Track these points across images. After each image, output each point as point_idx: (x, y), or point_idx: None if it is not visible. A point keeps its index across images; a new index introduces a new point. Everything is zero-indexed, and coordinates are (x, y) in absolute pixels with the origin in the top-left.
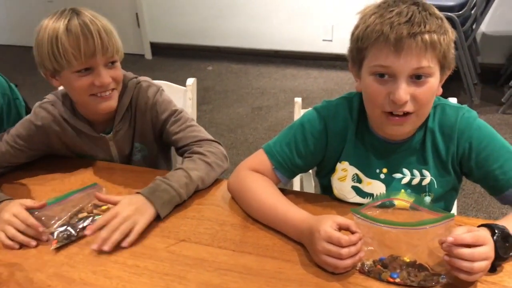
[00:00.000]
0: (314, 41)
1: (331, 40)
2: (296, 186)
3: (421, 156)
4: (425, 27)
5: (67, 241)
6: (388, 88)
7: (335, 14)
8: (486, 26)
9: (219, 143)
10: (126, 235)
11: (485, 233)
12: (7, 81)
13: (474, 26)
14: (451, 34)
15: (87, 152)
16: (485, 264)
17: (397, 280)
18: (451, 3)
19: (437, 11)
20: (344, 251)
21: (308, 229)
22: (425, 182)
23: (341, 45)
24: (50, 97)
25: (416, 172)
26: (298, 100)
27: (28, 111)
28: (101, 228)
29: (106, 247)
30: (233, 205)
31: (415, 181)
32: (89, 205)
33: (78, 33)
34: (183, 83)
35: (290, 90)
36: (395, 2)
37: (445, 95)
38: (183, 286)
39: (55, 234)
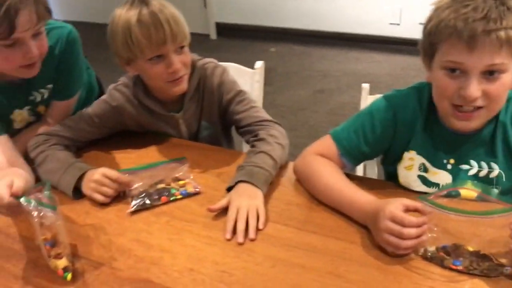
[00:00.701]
0: (381, 24)
1: (398, 24)
2: (359, 173)
3: (490, 149)
4: (501, 23)
5: (141, 208)
6: (459, 83)
7: None
8: None
9: (279, 124)
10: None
11: None
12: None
13: None
14: None
15: (158, 129)
16: None
17: (460, 267)
18: None
19: None
20: (406, 230)
21: (374, 210)
22: (493, 175)
23: (409, 29)
24: (123, 79)
25: (484, 164)
26: (365, 86)
27: (99, 84)
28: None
29: (251, 235)
30: (298, 186)
31: (483, 173)
32: (170, 177)
33: (149, 23)
34: (246, 64)
35: (353, 74)
36: None
37: None
38: (251, 258)
39: (133, 199)
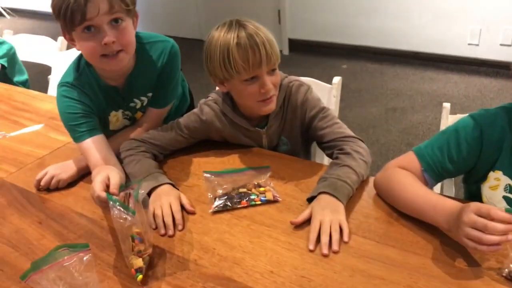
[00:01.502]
0: (459, 44)
1: (477, 45)
2: (436, 191)
3: None
4: None
5: (222, 209)
6: None
7: (484, 17)
8: None
9: (362, 140)
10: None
11: None
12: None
13: None
14: None
15: (240, 142)
16: None
17: None
18: None
19: None
20: (491, 224)
21: (459, 210)
22: None
23: (488, 50)
24: (213, 95)
25: None
26: (446, 105)
27: (191, 96)
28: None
29: (335, 247)
30: (376, 200)
31: None
32: (252, 183)
33: (247, 46)
34: (318, 79)
35: (427, 94)
36: None
37: None
38: (330, 266)
39: (216, 200)
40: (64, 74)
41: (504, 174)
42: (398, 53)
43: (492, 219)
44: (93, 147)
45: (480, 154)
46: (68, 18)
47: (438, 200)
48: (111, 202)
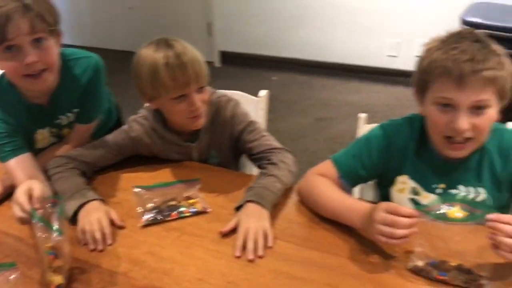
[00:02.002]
0: (379, 56)
1: (396, 56)
2: (356, 195)
3: (477, 175)
4: (485, 64)
5: (152, 222)
6: (450, 117)
7: (402, 31)
8: None
9: (290, 151)
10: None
11: None
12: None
13: None
14: (509, 67)
15: (170, 157)
16: None
17: (445, 278)
18: None
19: (496, 47)
20: (399, 219)
21: (370, 210)
22: (479, 199)
23: (406, 62)
24: (143, 112)
25: (471, 189)
26: (363, 115)
27: (118, 110)
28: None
29: (260, 252)
30: (299, 207)
31: (470, 197)
32: (182, 196)
33: (175, 66)
34: (248, 91)
35: (352, 103)
36: (458, 38)
37: (510, 116)
38: (255, 271)
39: (145, 214)
40: None
41: (410, 178)
42: (325, 65)
43: (399, 215)
44: (19, 166)
45: (389, 161)
46: None
47: (352, 203)
48: (34, 220)
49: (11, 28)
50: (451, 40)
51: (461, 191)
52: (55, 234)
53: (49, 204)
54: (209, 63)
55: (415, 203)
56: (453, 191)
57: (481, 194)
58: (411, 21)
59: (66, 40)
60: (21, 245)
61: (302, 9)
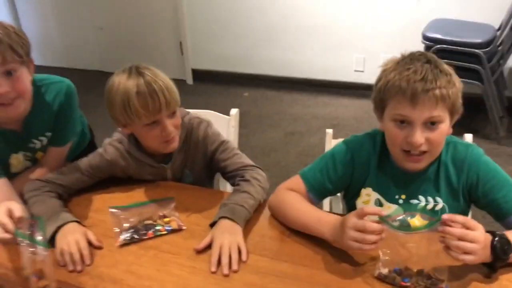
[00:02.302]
0: (347, 71)
1: (363, 71)
2: (326, 207)
3: (434, 185)
4: (436, 83)
5: (129, 241)
6: (406, 132)
7: (367, 46)
8: None
9: (261, 168)
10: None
11: (478, 225)
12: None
13: (501, 62)
14: (459, 85)
15: (145, 178)
16: (473, 246)
17: (408, 284)
18: (478, 41)
19: (446, 67)
20: (368, 224)
21: (340, 220)
22: (438, 207)
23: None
24: (117, 135)
25: (430, 198)
26: (329, 131)
27: (90, 131)
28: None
29: (234, 267)
30: (271, 221)
31: (429, 206)
32: (157, 215)
33: (146, 94)
34: (221, 107)
35: (322, 117)
36: (411, 60)
37: (471, 126)
38: (230, 285)
39: (122, 234)
40: None
41: (374, 190)
42: (294, 80)
43: (364, 214)
44: None
45: (352, 174)
46: None
47: (321, 215)
48: (19, 238)
49: None
50: (404, 62)
51: (421, 201)
52: (40, 249)
53: (28, 225)
54: (182, 81)
55: None
56: (414, 201)
57: (439, 203)
58: (376, 37)
59: (36, 61)
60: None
61: (271, 28)
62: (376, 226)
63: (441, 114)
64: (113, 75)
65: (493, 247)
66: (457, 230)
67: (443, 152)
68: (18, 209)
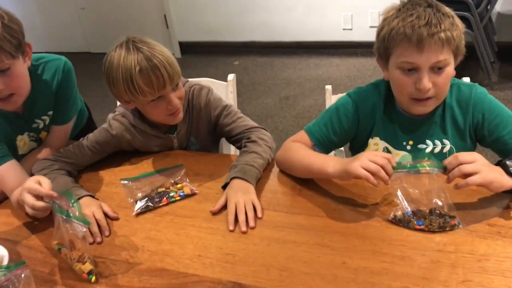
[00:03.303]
0: (335, 30)
1: (351, 29)
2: None
3: (441, 128)
4: (441, 27)
5: (145, 210)
6: (414, 78)
7: (354, 4)
8: (501, 6)
9: (265, 129)
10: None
11: (471, 152)
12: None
13: (488, 7)
14: (461, 27)
15: (152, 149)
16: (473, 166)
17: (422, 226)
18: None
19: (447, 10)
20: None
21: (351, 158)
22: (445, 150)
23: (361, 33)
24: (120, 109)
25: (437, 142)
26: (328, 87)
27: (87, 108)
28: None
29: (251, 223)
30: (281, 177)
31: (437, 149)
32: (169, 182)
33: (149, 71)
34: (213, 78)
35: (314, 79)
36: (412, 5)
37: (463, 73)
38: (249, 240)
39: (137, 203)
40: None
41: (381, 139)
42: (283, 44)
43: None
44: (7, 172)
45: (358, 125)
46: None
47: (327, 156)
48: (58, 214)
49: None
50: (406, 8)
51: (429, 145)
52: (80, 225)
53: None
54: None
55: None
56: (422, 146)
57: (447, 145)
58: None
59: None
60: (21, 248)
61: None
62: (390, 168)
63: (447, 58)
64: (109, 52)
65: (504, 165)
66: (455, 160)
67: (448, 94)
68: (47, 182)
